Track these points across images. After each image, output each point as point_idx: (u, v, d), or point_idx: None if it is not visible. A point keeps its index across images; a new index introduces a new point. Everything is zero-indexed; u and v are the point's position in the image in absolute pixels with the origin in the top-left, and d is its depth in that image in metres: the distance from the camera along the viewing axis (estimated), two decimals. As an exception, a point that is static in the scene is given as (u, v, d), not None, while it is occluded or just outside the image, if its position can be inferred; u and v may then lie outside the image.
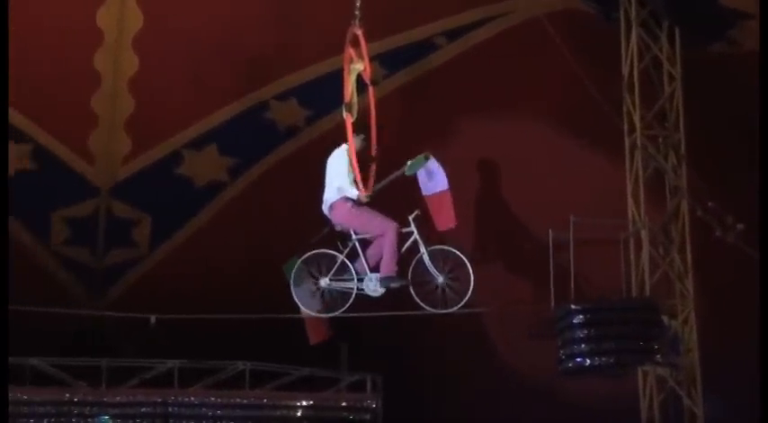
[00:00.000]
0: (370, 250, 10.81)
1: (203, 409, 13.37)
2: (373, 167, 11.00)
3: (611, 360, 11.77)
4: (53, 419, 13.00)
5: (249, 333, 13.04)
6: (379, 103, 11.14)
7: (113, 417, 13.16)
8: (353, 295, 10.74)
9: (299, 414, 13.48)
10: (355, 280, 10.72)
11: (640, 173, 12.33)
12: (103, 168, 14.39)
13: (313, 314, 11.35)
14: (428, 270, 10.68)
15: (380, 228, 10.65)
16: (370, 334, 13.94)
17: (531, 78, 13.83)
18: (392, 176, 10.92)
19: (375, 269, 10.70)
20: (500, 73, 13.97)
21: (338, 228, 10.99)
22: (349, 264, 10.76)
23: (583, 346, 11.77)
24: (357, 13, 10.84)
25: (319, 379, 13.86)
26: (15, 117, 13.80)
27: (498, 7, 13.90)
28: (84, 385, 13.23)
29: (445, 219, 11.22)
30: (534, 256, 13.91)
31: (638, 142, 12.34)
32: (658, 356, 11.77)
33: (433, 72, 14.32)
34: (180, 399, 13.34)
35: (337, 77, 11.37)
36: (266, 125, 14.42)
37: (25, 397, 13.02)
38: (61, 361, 13.32)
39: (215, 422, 13.36)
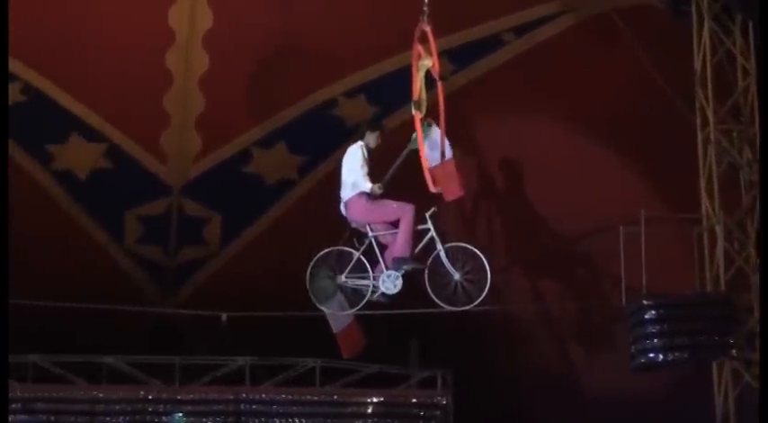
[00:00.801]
0: (387, 254, 10.85)
1: (274, 407, 13.43)
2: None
3: (685, 355, 11.63)
4: (128, 417, 13.12)
5: (320, 330, 13.04)
6: (447, 99, 11.15)
7: (186, 414, 13.24)
8: (369, 293, 10.80)
9: (369, 411, 13.47)
10: (371, 277, 10.77)
11: (714, 168, 12.21)
12: (175, 167, 14.47)
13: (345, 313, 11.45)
14: (445, 267, 10.68)
15: (397, 212, 10.73)
16: (440, 330, 13.93)
17: (599, 73, 13.72)
18: (403, 155, 10.82)
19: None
20: (566, 69, 13.88)
21: (353, 225, 11.02)
22: (364, 260, 10.81)
23: (656, 341, 11.64)
24: (425, 9, 10.88)
25: (389, 375, 13.85)
26: (90, 117, 14.03)
27: (566, 3, 13.80)
28: (159, 383, 13.33)
29: (453, 188, 11.04)
30: (594, 253, 13.89)
31: (712, 137, 12.22)
32: (733, 351, 11.64)
33: (500, 68, 14.25)
34: (251, 396, 13.42)
35: (405, 74, 11.41)
36: (334, 122, 14.43)
37: (101, 395, 13.19)
38: (136, 359, 13.43)
39: (286, 419, 13.40)
